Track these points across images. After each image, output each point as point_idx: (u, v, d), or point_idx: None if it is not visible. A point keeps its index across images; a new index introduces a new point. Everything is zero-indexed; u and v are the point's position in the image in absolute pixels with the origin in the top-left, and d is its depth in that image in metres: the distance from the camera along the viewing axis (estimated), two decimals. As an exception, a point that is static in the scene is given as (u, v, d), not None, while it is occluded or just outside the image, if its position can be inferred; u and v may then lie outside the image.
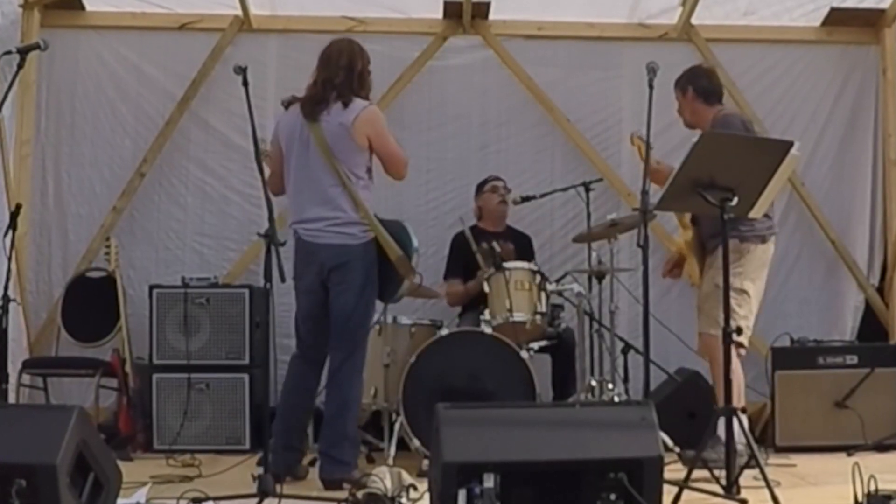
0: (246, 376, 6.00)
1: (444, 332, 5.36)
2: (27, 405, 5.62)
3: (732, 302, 4.67)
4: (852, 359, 5.92)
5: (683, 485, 4.04)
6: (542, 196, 6.26)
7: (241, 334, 6.01)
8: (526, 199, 6.18)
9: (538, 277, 5.57)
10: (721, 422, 4.63)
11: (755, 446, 4.20)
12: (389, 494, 4.08)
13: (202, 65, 6.57)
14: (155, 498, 4.27)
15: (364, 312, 4.82)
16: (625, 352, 6.00)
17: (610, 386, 5.57)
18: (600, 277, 5.74)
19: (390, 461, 5.03)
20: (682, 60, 5.84)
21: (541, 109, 6.73)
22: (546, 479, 3.46)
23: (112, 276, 6.13)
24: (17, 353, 6.01)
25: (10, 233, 5.39)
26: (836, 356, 5.94)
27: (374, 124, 4.77)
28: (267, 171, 4.68)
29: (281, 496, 4.07)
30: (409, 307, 5.97)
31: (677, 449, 5.03)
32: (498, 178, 6.32)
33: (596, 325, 5.81)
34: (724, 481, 4.13)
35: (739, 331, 4.35)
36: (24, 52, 4.40)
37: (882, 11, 6.64)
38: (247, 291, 6.09)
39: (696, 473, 4.22)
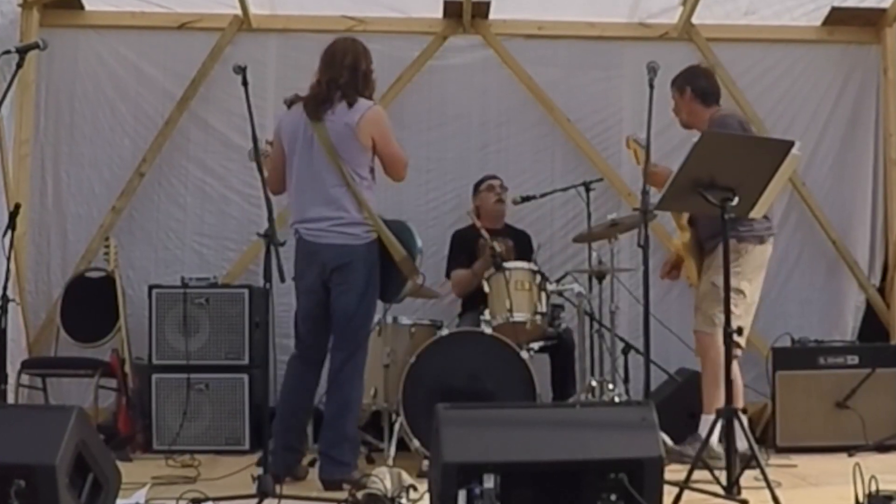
0: (245, 376, 5.98)
1: (444, 332, 5.35)
2: (26, 405, 5.61)
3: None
4: (853, 359, 5.91)
5: (684, 485, 4.03)
6: (543, 196, 6.25)
7: (240, 334, 6.00)
8: (526, 198, 6.18)
9: (538, 277, 5.56)
10: (703, 420, 4.67)
11: (756, 447, 4.19)
12: (389, 495, 4.07)
13: (202, 64, 6.57)
14: (154, 499, 4.26)
15: (366, 313, 4.81)
16: (625, 352, 6.00)
17: (610, 386, 5.57)
18: (601, 277, 5.73)
19: (390, 462, 5.03)
20: (682, 60, 5.83)
21: (541, 109, 6.72)
22: (546, 479, 3.46)
23: (111, 277, 6.13)
24: (16, 353, 6.00)
25: (9, 233, 5.39)
26: (836, 356, 5.93)
27: (378, 124, 4.76)
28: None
29: (280, 497, 4.06)
30: (410, 307, 5.96)
31: (670, 443, 5.00)
32: (494, 177, 6.30)
33: (596, 326, 5.81)
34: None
35: (740, 331, 4.34)
36: (22, 52, 4.38)
37: (883, 11, 6.63)
38: (246, 291, 6.08)
39: (697, 474, 4.21)
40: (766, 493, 3.93)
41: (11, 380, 5.59)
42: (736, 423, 4.15)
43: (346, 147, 4.69)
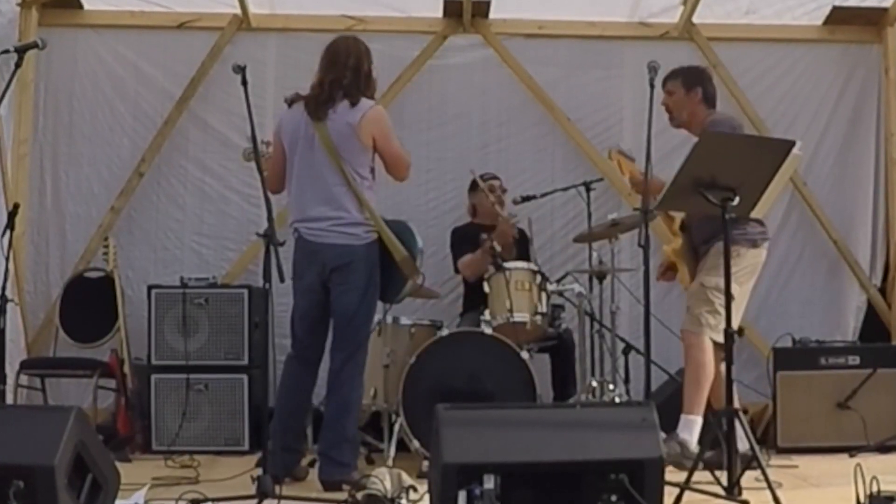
0: (245, 377, 5.98)
1: (444, 332, 5.34)
2: (25, 406, 5.61)
3: (716, 302, 4.69)
4: (854, 359, 5.90)
5: (685, 486, 4.02)
6: (543, 196, 6.24)
7: (240, 335, 5.99)
8: (526, 198, 6.16)
9: (538, 277, 5.55)
10: (682, 419, 4.66)
11: (757, 447, 4.18)
12: (389, 496, 4.07)
13: (201, 64, 6.56)
14: (153, 499, 4.25)
15: (366, 314, 4.79)
16: (626, 352, 5.99)
17: (611, 386, 5.56)
18: (601, 277, 5.73)
19: (390, 462, 5.02)
20: (683, 59, 5.79)
21: (541, 108, 6.71)
22: (546, 480, 3.45)
23: (110, 277, 6.12)
24: (15, 353, 5.98)
25: (8, 233, 5.38)
26: (838, 357, 5.92)
27: (379, 124, 4.75)
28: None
29: (280, 497, 4.05)
30: (410, 307, 5.95)
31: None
32: (495, 177, 6.23)
33: (597, 326, 5.80)
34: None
35: (741, 331, 4.32)
36: (21, 51, 4.38)
37: (884, 10, 6.62)
38: (246, 292, 6.08)
39: (697, 475, 4.20)
40: (767, 493, 3.92)
41: (10, 380, 5.57)
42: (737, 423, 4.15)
43: (348, 147, 4.68)
